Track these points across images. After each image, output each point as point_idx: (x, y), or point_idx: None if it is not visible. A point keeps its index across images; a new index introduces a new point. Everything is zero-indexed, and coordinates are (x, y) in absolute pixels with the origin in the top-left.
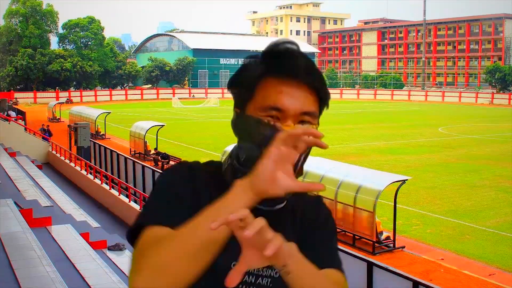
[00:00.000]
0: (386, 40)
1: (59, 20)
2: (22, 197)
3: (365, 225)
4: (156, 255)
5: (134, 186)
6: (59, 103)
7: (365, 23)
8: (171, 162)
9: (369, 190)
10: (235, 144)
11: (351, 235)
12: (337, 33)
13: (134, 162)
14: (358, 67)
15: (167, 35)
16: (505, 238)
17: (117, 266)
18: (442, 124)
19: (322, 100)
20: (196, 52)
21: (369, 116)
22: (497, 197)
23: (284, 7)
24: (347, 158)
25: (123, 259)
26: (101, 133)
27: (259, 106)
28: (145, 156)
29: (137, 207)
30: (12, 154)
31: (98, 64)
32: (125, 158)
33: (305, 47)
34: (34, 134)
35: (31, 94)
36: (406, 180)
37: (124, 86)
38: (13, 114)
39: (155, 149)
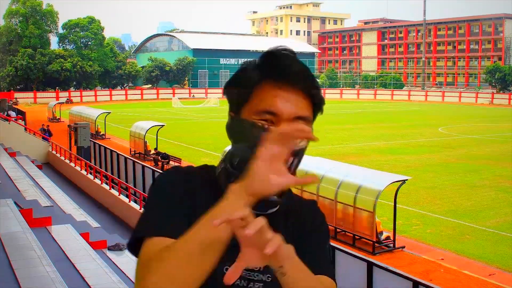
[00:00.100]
0: (386, 40)
1: (59, 20)
2: (22, 197)
3: (365, 225)
4: (161, 266)
5: (134, 186)
6: (59, 103)
7: (365, 23)
8: (171, 162)
9: (369, 190)
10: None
11: (351, 235)
12: (337, 33)
13: (134, 162)
14: (358, 67)
15: (167, 35)
16: (505, 238)
17: (117, 266)
18: (442, 124)
19: (316, 106)
20: (196, 52)
21: (369, 116)
22: (497, 197)
23: (284, 7)
24: (347, 158)
25: (123, 259)
26: (101, 133)
27: (253, 110)
28: (145, 156)
29: (137, 207)
30: (12, 154)
31: (98, 64)
32: (125, 158)
33: (305, 47)
34: (34, 134)
35: (31, 94)
36: (406, 180)
37: (124, 86)
38: (13, 114)
39: (155, 149)
